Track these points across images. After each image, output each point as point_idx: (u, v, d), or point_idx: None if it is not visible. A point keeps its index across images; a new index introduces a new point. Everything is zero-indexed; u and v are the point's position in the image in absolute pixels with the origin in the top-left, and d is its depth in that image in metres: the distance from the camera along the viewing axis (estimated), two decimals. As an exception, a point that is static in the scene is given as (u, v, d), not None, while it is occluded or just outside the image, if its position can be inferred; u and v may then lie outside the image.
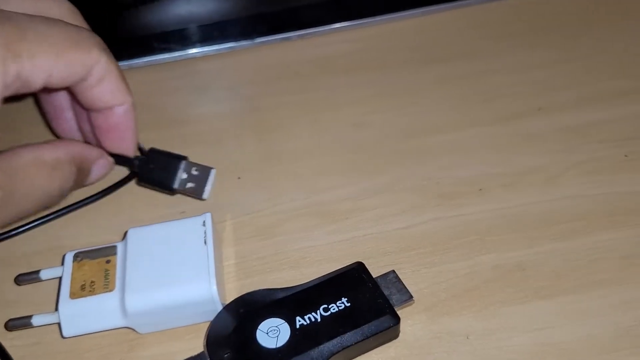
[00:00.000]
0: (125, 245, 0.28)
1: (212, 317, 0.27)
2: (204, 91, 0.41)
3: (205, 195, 0.31)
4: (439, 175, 0.33)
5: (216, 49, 0.42)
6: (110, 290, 0.27)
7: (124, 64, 0.41)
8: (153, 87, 0.41)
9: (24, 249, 0.31)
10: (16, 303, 0.29)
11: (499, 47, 0.41)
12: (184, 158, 0.31)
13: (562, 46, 0.41)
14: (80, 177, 0.27)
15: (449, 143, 0.35)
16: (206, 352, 0.25)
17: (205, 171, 0.31)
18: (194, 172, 0.31)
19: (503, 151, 0.35)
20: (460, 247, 0.30)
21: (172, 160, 0.31)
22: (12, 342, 0.28)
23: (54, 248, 0.31)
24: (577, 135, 0.35)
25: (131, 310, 0.26)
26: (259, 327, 0.25)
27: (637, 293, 0.27)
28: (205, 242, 0.27)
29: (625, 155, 0.34)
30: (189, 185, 0.30)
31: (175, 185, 0.30)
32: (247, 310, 0.26)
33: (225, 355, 0.25)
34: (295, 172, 0.34)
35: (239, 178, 0.34)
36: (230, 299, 0.28)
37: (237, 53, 0.43)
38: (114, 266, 0.27)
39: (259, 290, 0.27)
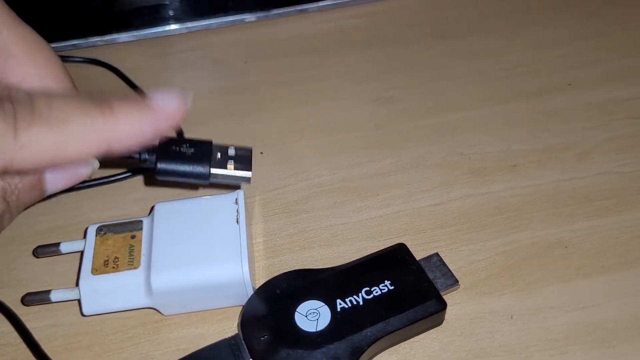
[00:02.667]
0: (152, 221, 0.26)
1: (240, 301, 0.25)
2: (220, 64, 0.39)
3: (250, 175, 0.25)
4: (469, 151, 0.32)
5: (231, 20, 0.40)
6: (135, 268, 0.25)
7: (135, 34, 0.39)
8: (167, 59, 0.39)
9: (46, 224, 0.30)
10: (31, 281, 0.28)
11: (517, 23, 0.40)
12: (209, 142, 0.25)
13: (583, 22, 0.40)
14: (25, 187, 0.21)
15: (473, 119, 0.34)
16: (241, 334, 0.24)
17: (244, 151, 0.25)
18: (231, 153, 0.25)
19: (531, 127, 0.34)
20: (496, 224, 0.29)
21: (197, 144, 0.25)
22: (29, 324, 0.26)
23: (75, 224, 0.30)
24: (605, 111, 0.34)
25: (157, 290, 0.25)
26: (297, 310, 0.24)
27: (679, 271, 0.27)
28: (237, 221, 0.26)
29: (657, 132, 0.33)
30: (230, 165, 0.25)
31: (213, 170, 0.24)
32: (284, 292, 0.25)
33: (262, 338, 0.23)
34: (319, 148, 0.33)
35: (262, 153, 0.33)
36: (259, 278, 0.27)
37: (252, 25, 0.41)
38: (140, 242, 0.26)
39: (296, 271, 0.25)
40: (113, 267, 0.25)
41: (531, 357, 0.24)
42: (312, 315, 0.24)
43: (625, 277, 0.27)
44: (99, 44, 0.40)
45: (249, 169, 0.25)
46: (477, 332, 0.25)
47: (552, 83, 0.36)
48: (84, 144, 0.19)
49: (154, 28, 0.40)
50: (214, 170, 0.24)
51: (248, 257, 0.25)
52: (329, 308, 0.24)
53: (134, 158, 0.23)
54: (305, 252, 0.28)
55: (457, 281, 0.25)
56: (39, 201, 0.30)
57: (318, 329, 0.23)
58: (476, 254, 0.28)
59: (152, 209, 0.27)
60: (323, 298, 0.24)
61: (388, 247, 0.26)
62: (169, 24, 0.40)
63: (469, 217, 0.29)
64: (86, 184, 0.31)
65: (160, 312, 0.26)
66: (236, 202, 0.26)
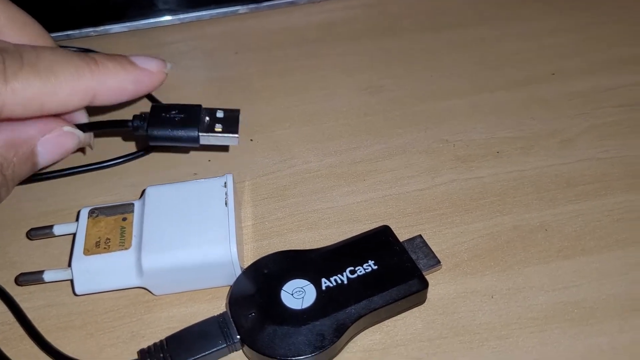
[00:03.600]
0: (143, 204, 0.27)
1: (229, 281, 0.26)
2: (211, 55, 0.40)
3: (237, 135, 0.26)
4: (454, 138, 0.33)
5: (223, 12, 0.41)
6: (126, 249, 0.26)
7: (125, 25, 0.40)
8: (159, 50, 0.40)
9: (41, 209, 0.30)
10: (24, 264, 0.28)
11: (508, 14, 0.41)
12: (199, 106, 0.27)
13: (573, 13, 0.41)
14: (20, 160, 0.22)
15: (462, 107, 0.35)
16: (229, 312, 0.24)
17: (231, 113, 0.27)
18: (219, 115, 0.26)
19: (517, 115, 0.34)
20: (479, 208, 0.29)
21: (187, 109, 0.26)
22: (23, 304, 0.27)
23: (68, 208, 0.30)
24: (590, 100, 0.35)
25: (147, 270, 0.25)
26: (283, 288, 0.25)
27: (657, 253, 0.27)
28: (226, 204, 0.26)
29: (640, 119, 0.34)
30: (218, 128, 0.26)
31: (202, 132, 0.26)
32: (271, 271, 0.25)
33: (250, 315, 0.24)
34: (308, 135, 0.34)
35: (251, 140, 0.33)
36: (248, 260, 0.28)
37: (244, 17, 0.42)
38: (131, 224, 0.27)
39: (283, 251, 0.26)
40: (104, 248, 0.26)
41: (511, 334, 0.25)
42: (298, 294, 0.24)
43: (604, 259, 0.27)
44: (92, 35, 0.40)
45: (235, 131, 0.26)
46: (458, 310, 0.26)
47: (539, 72, 0.37)
48: (71, 92, 0.20)
49: (147, 19, 0.40)
50: (202, 133, 0.26)
51: (237, 239, 0.26)
52: (315, 287, 0.25)
53: (127, 126, 0.25)
54: (292, 234, 0.29)
55: (439, 262, 0.26)
56: (34, 182, 0.31)
57: (303, 307, 0.24)
58: (459, 236, 0.28)
59: (143, 192, 0.27)
60: (309, 277, 0.25)
61: (372, 229, 0.27)
62: (161, 15, 0.40)
63: (453, 201, 0.30)
64: (80, 168, 0.31)
65: (151, 292, 0.27)
66: (225, 186, 0.27)
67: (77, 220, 0.27)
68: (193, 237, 0.26)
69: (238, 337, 0.24)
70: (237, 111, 0.26)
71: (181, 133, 0.25)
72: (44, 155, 0.24)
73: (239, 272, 0.26)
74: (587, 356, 0.24)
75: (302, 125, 0.34)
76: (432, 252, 0.26)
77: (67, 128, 0.24)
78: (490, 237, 0.28)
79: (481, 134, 0.33)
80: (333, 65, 0.38)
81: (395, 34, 0.40)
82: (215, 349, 0.24)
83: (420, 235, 0.27)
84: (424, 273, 0.25)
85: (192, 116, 0.26)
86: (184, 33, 0.41)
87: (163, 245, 0.26)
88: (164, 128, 0.26)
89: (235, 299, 0.25)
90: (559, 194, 0.30)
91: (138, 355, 0.24)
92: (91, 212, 0.27)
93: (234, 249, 0.25)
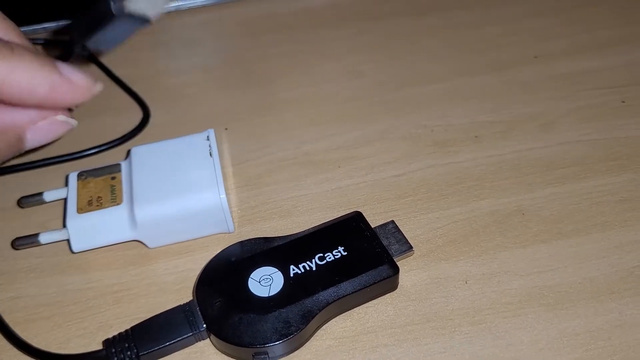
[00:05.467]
0: (130, 163, 0.27)
1: (220, 228, 0.27)
2: (189, 44, 0.39)
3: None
4: (433, 123, 0.32)
5: (202, 2, 0.40)
6: (118, 204, 0.27)
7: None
8: (136, 40, 0.39)
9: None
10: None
11: (491, -2, 0.40)
12: None
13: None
14: (4, 145, 0.22)
15: (442, 92, 0.34)
16: (195, 300, 0.24)
17: None
18: None
19: (497, 99, 0.34)
20: (456, 193, 0.29)
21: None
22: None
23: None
24: (572, 82, 0.34)
25: (141, 221, 0.26)
26: (250, 276, 0.24)
27: (636, 236, 0.27)
28: (210, 154, 0.27)
29: (623, 102, 0.33)
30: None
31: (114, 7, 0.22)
32: (238, 259, 0.25)
33: (216, 304, 0.24)
34: (284, 123, 0.33)
35: (226, 129, 0.33)
36: (218, 249, 0.27)
37: (223, 6, 0.41)
38: (120, 182, 0.27)
39: (252, 239, 0.26)
40: (97, 205, 0.27)
41: (485, 319, 0.24)
42: (265, 281, 0.24)
43: (582, 243, 0.27)
44: (71, 27, 0.40)
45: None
46: (431, 296, 0.25)
47: (521, 55, 0.36)
48: None
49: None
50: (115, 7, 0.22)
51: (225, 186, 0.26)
52: (282, 274, 0.24)
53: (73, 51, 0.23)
54: (265, 222, 0.28)
55: (411, 247, 0.26)
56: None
57: (270, 294, 0.24)
58: (435, 222, 0.28)
59: (128, 152, 0.28)
60: (276, 264, 0.24)
61: (344, 215, 0.26)
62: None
63: (429, 186, 0.29)
64: (54, 159, 0.31)
65: (145, 245, 0.27)
66: (207, 139, 0.28)
67: (66, 185, 0.28)
68: (182, 187, 0.26)
69: (204, 325, 0.23)
70: None
71: (98, 18, 0.22)
72: (32, 141, 0.23)
73: (229, 218, 0.26)
74: (562, 340, 0.23)
75: (280, 113, 0.34)
76: (405, 237, 0.26)
77: (62, 117, 0.23)
78: (466, 222, 0.28)
79: (460, 118, 0.33)
80: (313, 52, 0.38)
81: (376, 19, 0.40)
82: (181, 338, 0.23)
83: (392, 221, 0.27)
84: (395, 259, 0.25)
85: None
86: (163, 22, 0.40)
87: (154, 196, 0.26)
88: (92, 30, 0.23)
89: (202, 287, 0.24)
90: (538, 177, 0.29)
91: (103, 345, 0.24)
92: (80, 175, 0.28)
93: (223, 194, 0.26)
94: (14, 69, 0.19)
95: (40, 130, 0.22)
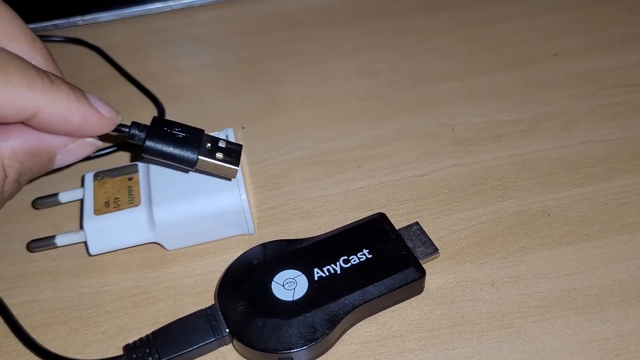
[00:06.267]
0: (147, 163, 0.27)
1: (241, 230, 0.26)
2: (201, 42, 0.39)
3: (238, 168, 0.24)
4: (453, 122, 0.32)
5: (214, -1, 0.40)
6: (136, 205, 0.26)
7: (115, 13, 0.39)
8: (148, 37, 0.39)
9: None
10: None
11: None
12: (202, 130, 0.25)
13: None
14: (37, 167, 0.22)
15: (458, 90, 0.34)
16: (217, 304, 0.23)
17: (234, 145, 0.25)
18: (221, 145, 0.25)
19: (516, 97, 0.33)
20: (480, 194, 0.28)
21: (189, 129, 0.24)
22: (7, 300, 0.26)
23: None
24: (592, 80, 0.34)
25: (160, 223, 0.25)
26: (274, 279, 0.24)
27: (664, 237, 0.26)
28: None
29: (644, 100, 0.32)
30: (219, 156, 0.24)
31: (202, 157, 0.24)
32: (261, 262, 0.24)
33: (239, 308, 0.23)
34: (300, 122, 0.33)
35: (243, 128, 0.32)
36: (240, 252, 0.27)
37: (234, 3, 0.41)
38: (137, 183, 0.27)
39: (274, 241, 0.25)
40: (114, 207, 0.26)
41: (513, 323, 0.24)
42: (289, 285, 0.23)
43: (609, 244, 0.26)
44: (80, 24, 0.39)
45: (237, 163, 0.24)
46: (458, 300, 0.25)
47: (540, 53, 0.36)
48: (15, 98, 0.19)
49: (136, 7, 0.39)
50: (202, 157, 0.24)
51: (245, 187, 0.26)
52: (306, 277, 0.24)
53: (123, 131, 0.23)
54: (286, 224, 0.28)
55: (436, 249, 0.25)
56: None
57: (295, 298, 0.23)
58: (459, 223, 0.27)
59: None
60: (300, 267, 0.24)
61: (367, 217, 0.26)
62: (151, 2, 0.39)
63: (452, 187, 0.29)
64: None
65: (164, 247, 0.27)
66: (227, 138, 0.27)
67: (82, 186, 0.27)
68: (202, 187, 0.26)
69: (227, 330, 0.23)
70: (240, 146, 0.25)
71: (179, 152, 0.24)
72: (60, 162, 0.23)
73: (249, 219, 0.26)
74: (592, 345, 0.23)
75: (295, 111, 0.33)
76: (430, 239, 0.25)
77: (90, 139, 0.23)
78: (491, 223, 0.27)
79: (480, 117, 0.32)
80: (326, 50, 0.37)
81: (390, 17, 0.39)
82: (203, 343, 0.23)
83: (417, 222, 0.26)
84: (421, 261, 0.24)
85: (194, 138, 0.24)
86: (173, 20, 0.40)
87: (173, 197, 0.26)
88: (162, 142, 0.24)
89: (224, 291, 0.24)
90: (563, 177, 0.29)
91: (123, 350, 0.23)
92: (96, 176, 0.27)
93: (244, 195, 0.25)
94: (53, 100, 0.20)
95: (69, 152, 0.23)
